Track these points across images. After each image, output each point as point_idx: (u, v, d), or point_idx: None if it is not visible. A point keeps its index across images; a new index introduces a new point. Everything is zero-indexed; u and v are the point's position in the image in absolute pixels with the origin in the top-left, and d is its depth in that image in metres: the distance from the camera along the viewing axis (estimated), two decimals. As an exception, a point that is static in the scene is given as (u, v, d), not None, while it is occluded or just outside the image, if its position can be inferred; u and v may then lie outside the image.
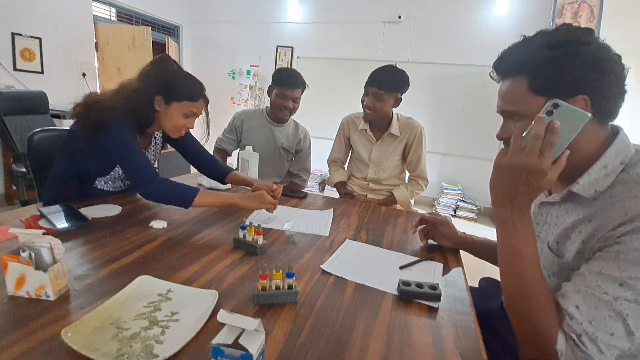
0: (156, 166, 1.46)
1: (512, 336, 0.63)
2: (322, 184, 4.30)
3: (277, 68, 1.74)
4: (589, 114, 0.55)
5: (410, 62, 4.03)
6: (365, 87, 1.52)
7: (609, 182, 0.60)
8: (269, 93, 1.75)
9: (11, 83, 2.83)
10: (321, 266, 0.83)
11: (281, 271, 0.67)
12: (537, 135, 0.56)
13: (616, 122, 0.65)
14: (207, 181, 1.43)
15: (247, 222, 0.90)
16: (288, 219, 1.14)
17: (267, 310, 0.65)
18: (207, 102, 1.16)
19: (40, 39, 3.09)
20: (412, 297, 0.72)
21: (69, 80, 3.40)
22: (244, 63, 4.80)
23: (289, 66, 4.57)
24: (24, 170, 2.26)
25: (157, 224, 0.98)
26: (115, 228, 0.95)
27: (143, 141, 1.20)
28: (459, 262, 0.94)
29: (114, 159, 1.07)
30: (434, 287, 0.72)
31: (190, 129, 1.19)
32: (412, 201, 1.68)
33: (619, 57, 0.59)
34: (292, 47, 4.52)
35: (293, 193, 1.45)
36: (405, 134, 1.56)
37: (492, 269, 0.82)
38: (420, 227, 1.04)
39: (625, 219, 0.54)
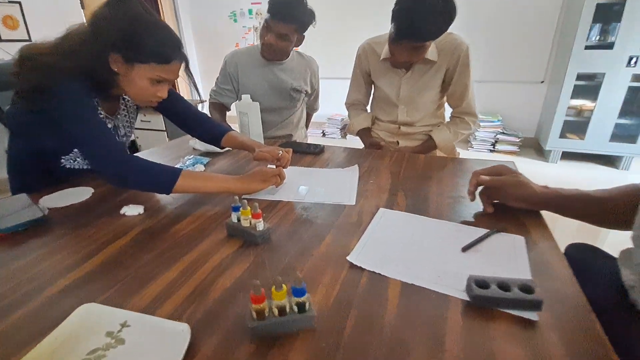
0: (134, 137, 1.21)
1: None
2: (344, 130, 3.97)
3: None
4: None
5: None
6: (395, 40, 1.07)
7: None
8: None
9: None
10: (348, 258, 0.58)
11: (284, 286, 0.43)
12: None
13: None
14: (201, 144, 1.17)
15: (240, 200, 0.65)
16: (301, 184, 0.89)
17: (270, 349, 0.42)
18: (186, 62, 0.86)
19: (19, 2, 2.79)
20: (494, 305, 0.46)
21: (59, 45, 3.13)
22: (245, 2, 4.25)
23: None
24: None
25: (131, 210, 0.76)
26: (79, 221, 0.74)
27: (108, 106, 0.94)
28: (545, 232, 0.66)
29: (67, 134, 0.82)
30: (527, 288, 0.46)
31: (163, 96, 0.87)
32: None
33: None
34: (295, -26, 3.89)
35: (306, 149, 1.18)
36: (446, 56, 1.19)
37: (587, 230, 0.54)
38: (480, 188, 0.74)
39: None
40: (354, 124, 1.43)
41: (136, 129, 3.52)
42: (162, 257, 0.60)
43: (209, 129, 1.07)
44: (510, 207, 0.72)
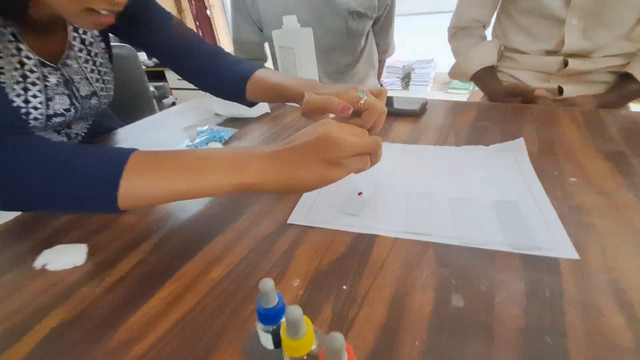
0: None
1: None
2: (406, 79, 3.29)
3: None
4: None
5: None
6: None
7: None
8: None
9: None
10: None
11: None
12: None
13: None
14: (223, 108, 0.73)
15: (272, 290, 0.21)
16: (413, 186, 0.42)
17: None
18: None
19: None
20: None
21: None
22: None
23: None
24: None
25: (58, 260, 0.35)
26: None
27: (44, 46, 0.51)
28: None
29: None
30: None
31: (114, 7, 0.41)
32: None
33: None
34: None
35: (396, 108, 0.67)
36: None
37: None
38: None
39: None
40: (468, 60, 0.85)
41: (173, 89, 3.09)
42: None
43: (222, 71, 0.58)
44: None
